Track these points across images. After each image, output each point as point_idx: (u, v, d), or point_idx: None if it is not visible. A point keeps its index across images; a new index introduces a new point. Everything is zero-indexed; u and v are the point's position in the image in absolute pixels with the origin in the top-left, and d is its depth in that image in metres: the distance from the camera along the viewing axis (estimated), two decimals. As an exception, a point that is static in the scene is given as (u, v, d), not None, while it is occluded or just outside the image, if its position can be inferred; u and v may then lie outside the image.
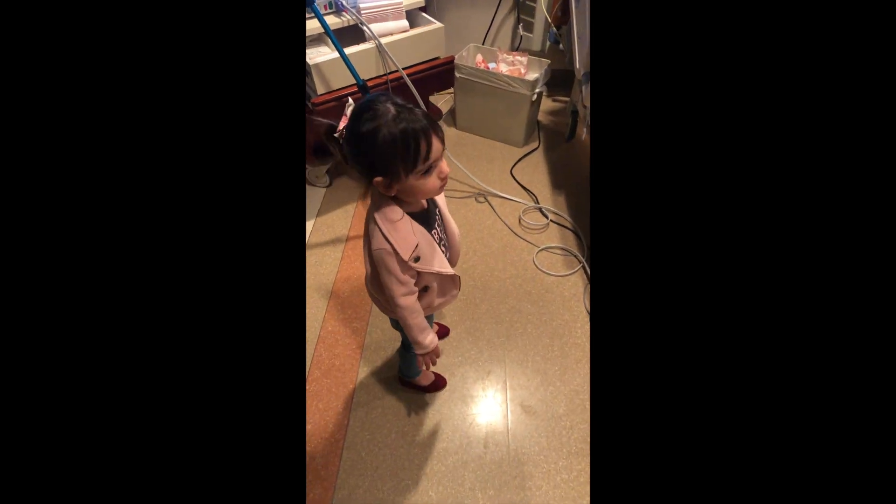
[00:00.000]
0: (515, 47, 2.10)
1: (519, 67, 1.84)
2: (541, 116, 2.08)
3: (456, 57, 1.75)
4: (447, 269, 0.76)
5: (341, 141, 0.68)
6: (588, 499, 0.98)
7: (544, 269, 1.45)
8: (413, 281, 0.74)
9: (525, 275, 1.43)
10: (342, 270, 1.45)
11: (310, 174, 1.71)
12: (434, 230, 0.75)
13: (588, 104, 1.33)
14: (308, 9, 1.30)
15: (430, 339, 0.80)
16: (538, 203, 1.67)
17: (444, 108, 2.12)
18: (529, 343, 1.26)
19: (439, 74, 1.57)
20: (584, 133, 1.47)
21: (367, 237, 0.71)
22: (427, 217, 0.74)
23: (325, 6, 1.34)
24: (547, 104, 2.17)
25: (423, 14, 1.55)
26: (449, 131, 2.00)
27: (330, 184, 1.75)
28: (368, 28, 1.37)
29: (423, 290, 0.79)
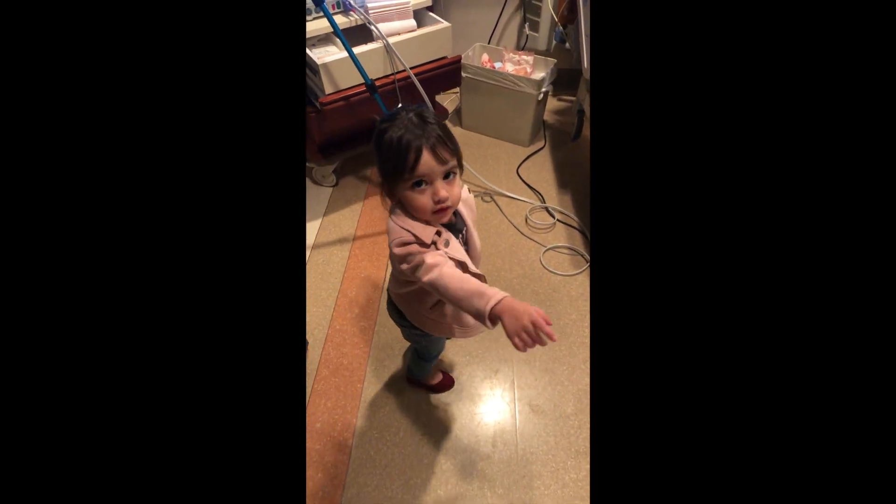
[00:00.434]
0: (521, 46, 2.09)
1: (525, 67, 1.84)
2: (547, 116, 2.07)
3: (463, 56, 1.75)
4: (472, 267, 0.71)
5: None
6: (597, 498, 0.98)
7: (551, 269, 1.45)
8: (439, 254, 0.66)
9: (532, 274, 1.44)
10: (349, 269, 1.46)
11: (316, 173, 1.72)
12: (458, 237, 0.75)
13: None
14: (317, 8, 1.30)
15: (490, 292, 0.58)
16: (544, 202, 1.67)
17: (451, 108, 2.12)
18: (537, 342, 1.26)
19: (446, 74, 1.57)
20: (589, 132, 1.47)
21: (389, 240, 0.70)
22: (452, 228, 0.73)
23: (333, 5, 1.35)
24: (553, 104, 2.17)
25: (430, 13, 1.55)
26: (455, 130, 2.00)
27: (336, 183, 1.75)
28: (376, 27, 1.37)
29: (437, 304, 0.78)
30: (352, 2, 1.35)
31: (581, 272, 1.44)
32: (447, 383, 1.16)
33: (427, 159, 0.62)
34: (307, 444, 1.07)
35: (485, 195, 1.70)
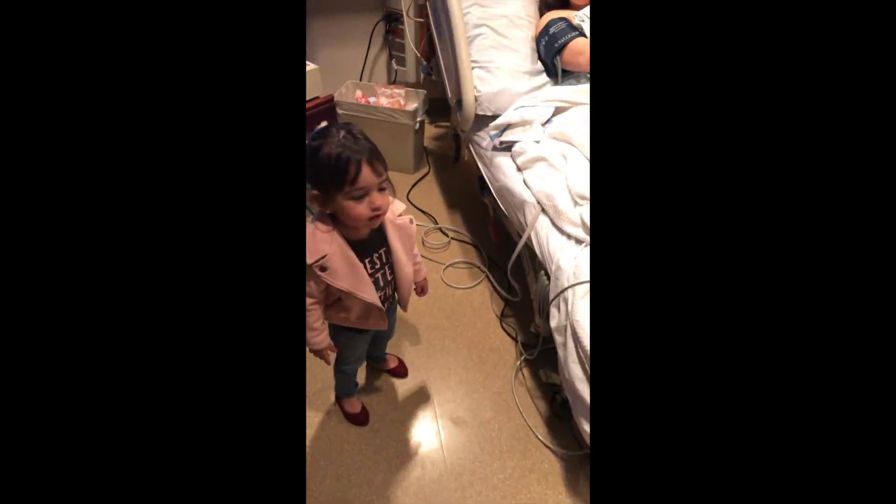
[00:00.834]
0: (392, 80, 2.20)
1: (398, 99, 1.94)
2: (427, 142, 2.19)
3: (335, 94, 1.79)
4: (361, 294, 0.81)
5: None
6: (525, 492, 1.04)
7: (452, 284, 1.52)
8: (318, 287, 0.80)
9: (436, 293, 1.49)
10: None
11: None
12: (369, 260, 0.83)
13: (465, 129, 1.45)
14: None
15: (316, 339, 0.86)
16: (437, 223, 1.76)
17: (333, 144, 2.14)
18: (449, 357, 1.31)
19: (321, 113, 1.60)
20: (466, 154, 1.59)
21: None
22: (362, 246, 0.81)
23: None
24: (431, 130, 2.30)
25: (296, 56, 1.58)
26: (341, 166, 2.01)
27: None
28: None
29: (337, 301, 0.85)
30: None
31: (479, 283, 1.54)
32: (363, 419, 1.15)
33: (366, 173, 0.71)
34: None
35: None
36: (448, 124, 2.30)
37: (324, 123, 0.77)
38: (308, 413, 1.17)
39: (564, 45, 1.32)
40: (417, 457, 1.10)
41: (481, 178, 1.42)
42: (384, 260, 0.87)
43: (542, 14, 1.45)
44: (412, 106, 1.92)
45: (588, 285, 0.86)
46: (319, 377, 1.22)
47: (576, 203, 0.99)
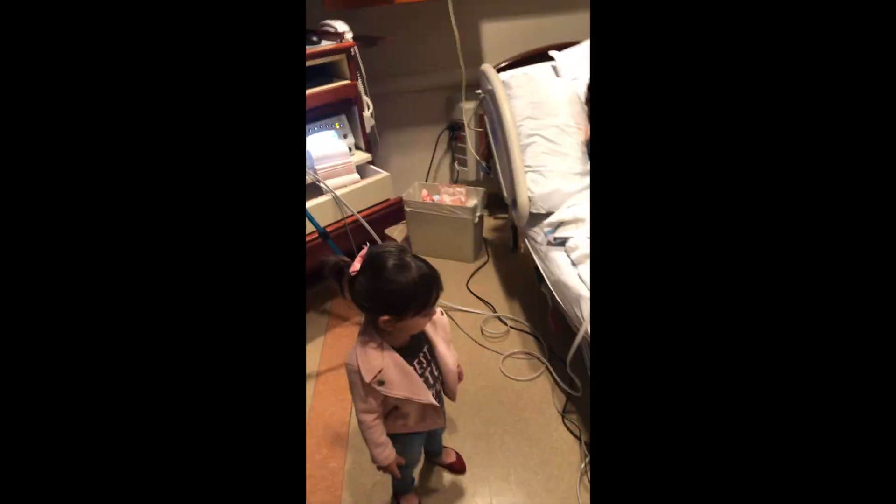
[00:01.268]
0: (454, 180, 2.42)
1: (459, 197, 2.12)
2: (487, 233, 2.31)
3: (404, 194, 2.00)
4: (418, 397, 0.84)
5: (347, 279, 0.79)
6: None
7: (511, 376, 1.51)
8: (376, 401, 0.83)
9: (494, 384, 1.49)
10: (315, 408, 1.45)
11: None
12: (417, 361, 0.87)
13: (519, 224, 1.55)
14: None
15: (384, 454, 0.87)
16: (496, 312, 1.80)
17: (400, 237, 2.33)
18: (510, 455, 1.27)
19: (390, 213, 1.79)
20: (523, 246, 1.66)
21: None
22: (409, 349, 0.86)
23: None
24: (490, 222, 2.43)
25: (371, 166, 1.82)
26: (406, 257, 2.17)
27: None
28: (325, 185, 1.58)
29: (394, 410, 0.87)
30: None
31: (539, 375, 1.51)
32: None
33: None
34: None
35: (440, 312, 1.81)
36: (506, 216, 2.42)
37: (365, 248, 0.80)
38: (367, 507, 1.16)
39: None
40: (476, 567, 1.03)
41: (538, 268, 1.47)
42: (429, 357, 0.90)
43: (590, 121, 1.58)
44: (472, 202, 2.07)
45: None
46: (369, 472, 1.23)
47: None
